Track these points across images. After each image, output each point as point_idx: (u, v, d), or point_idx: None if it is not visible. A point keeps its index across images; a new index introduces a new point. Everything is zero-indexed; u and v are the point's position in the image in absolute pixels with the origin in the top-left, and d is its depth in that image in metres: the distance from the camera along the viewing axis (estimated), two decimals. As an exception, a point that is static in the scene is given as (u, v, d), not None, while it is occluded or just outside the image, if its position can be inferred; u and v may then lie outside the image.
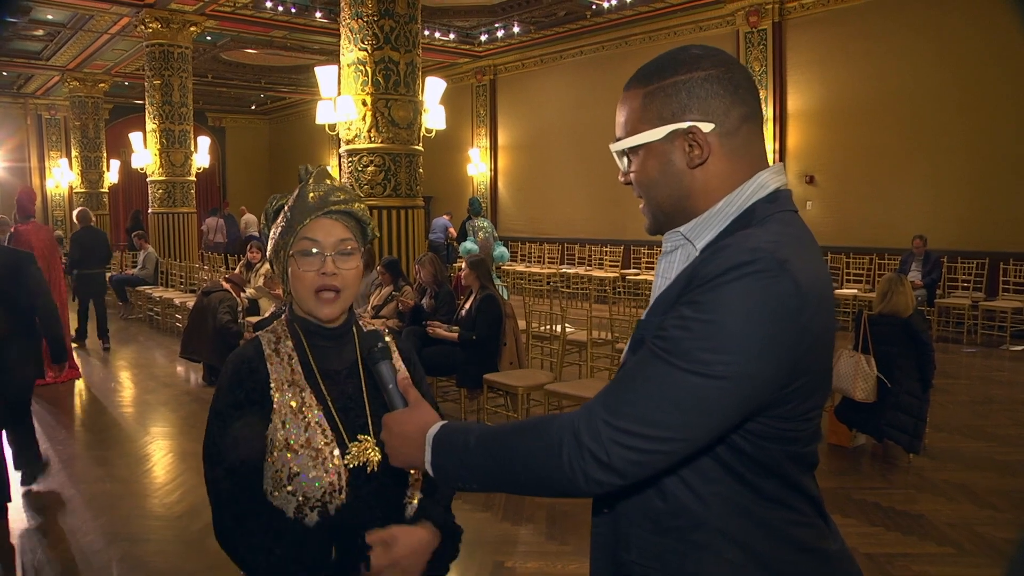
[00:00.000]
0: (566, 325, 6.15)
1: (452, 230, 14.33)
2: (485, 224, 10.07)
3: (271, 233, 1.52)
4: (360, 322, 1.58)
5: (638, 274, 12.92)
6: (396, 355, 1.60)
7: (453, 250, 13.41)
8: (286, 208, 1.49)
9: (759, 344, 0.96)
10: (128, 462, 5.23)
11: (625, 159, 1.16)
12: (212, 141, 14.78)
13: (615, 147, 1.16)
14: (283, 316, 1.56)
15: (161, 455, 5.40)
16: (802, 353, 1.00)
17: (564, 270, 14.06)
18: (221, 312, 7.09)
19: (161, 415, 6.55)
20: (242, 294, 7.78)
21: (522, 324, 6.45)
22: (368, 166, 7.57)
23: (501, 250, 9.27)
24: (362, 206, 1.52)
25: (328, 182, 1.51)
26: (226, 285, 7.54)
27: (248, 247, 8.90)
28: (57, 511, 4.36)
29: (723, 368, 0.95)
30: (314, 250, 1.44)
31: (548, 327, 6.58)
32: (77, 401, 7.01)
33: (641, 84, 1.13)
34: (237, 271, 8.64)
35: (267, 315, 7.33)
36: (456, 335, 5.75)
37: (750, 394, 0.98)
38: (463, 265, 6.10)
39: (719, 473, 1.05)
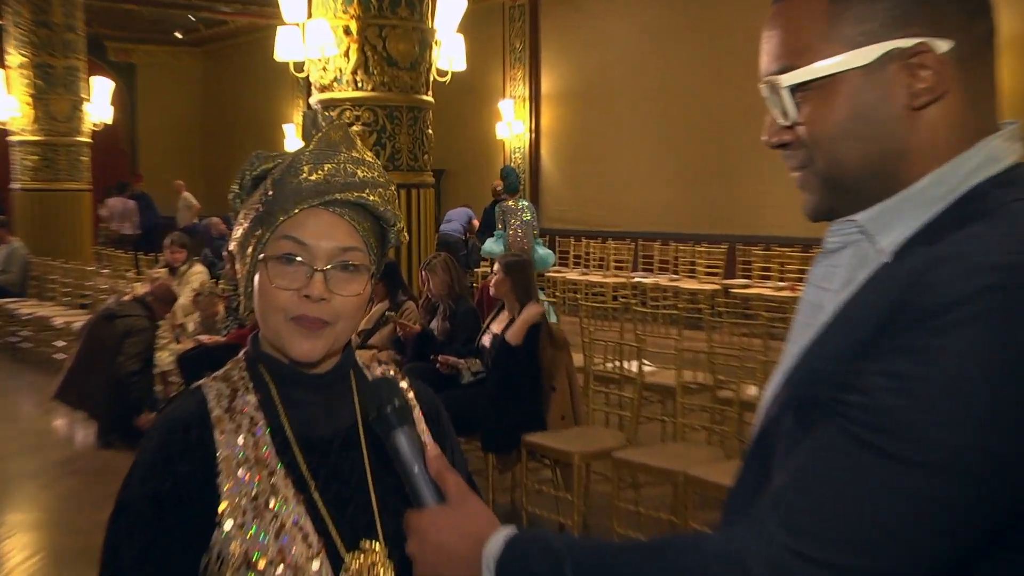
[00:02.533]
0: (643, 362, 6.20)
1: (476, 221, 14.70)
2: (524, 206, 9.92)
3: (240, 215, 1.49)
4: (360, 362, 1.56)
5: (748, 286, 12.87)
6: (418, 411, 1.57)
7: (475, 249, 13.53)
8: (270, 179, 1.44)
9: (1022, 412, 0.91)
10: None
11: (789, 103, 1.12)
12: (117, 85, 14.94)
13: (785, 80, 1.11)
14: (241, 353, 1.52)
15: (21, 558, 5.31)
16: None
17: (639, 279, 14.09)
18: (127, 356, 7.22)
19: (26, 495, 6.60)
20: (174, 322, 7.92)
21: (578, 360, 6.46)
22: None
23: (543, 252, 9.03)
24: (388, 193, 1.48)
25: (344, 149, 1.46)
26: (136, 301, 7.52)
27: (166, 243, 9.02)
28: None
29: (972, 454, 0.91)
30: (298, 257, 1.38)
31: (617, 364, 6.53)
32: None
33: None
34: (161, 283, 8.70)
35: (190, 347, 7.38)
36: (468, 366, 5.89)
37: (1013, 491, 0.93)
38: (494, 269, 6.17)
39: None
